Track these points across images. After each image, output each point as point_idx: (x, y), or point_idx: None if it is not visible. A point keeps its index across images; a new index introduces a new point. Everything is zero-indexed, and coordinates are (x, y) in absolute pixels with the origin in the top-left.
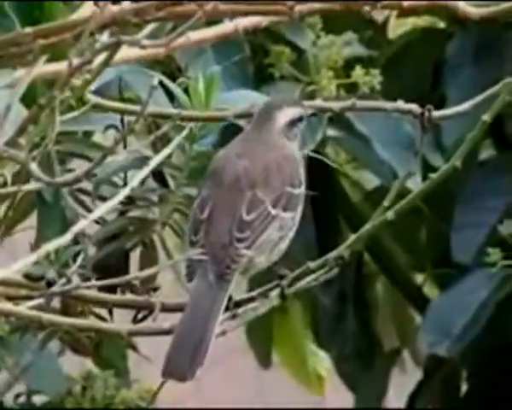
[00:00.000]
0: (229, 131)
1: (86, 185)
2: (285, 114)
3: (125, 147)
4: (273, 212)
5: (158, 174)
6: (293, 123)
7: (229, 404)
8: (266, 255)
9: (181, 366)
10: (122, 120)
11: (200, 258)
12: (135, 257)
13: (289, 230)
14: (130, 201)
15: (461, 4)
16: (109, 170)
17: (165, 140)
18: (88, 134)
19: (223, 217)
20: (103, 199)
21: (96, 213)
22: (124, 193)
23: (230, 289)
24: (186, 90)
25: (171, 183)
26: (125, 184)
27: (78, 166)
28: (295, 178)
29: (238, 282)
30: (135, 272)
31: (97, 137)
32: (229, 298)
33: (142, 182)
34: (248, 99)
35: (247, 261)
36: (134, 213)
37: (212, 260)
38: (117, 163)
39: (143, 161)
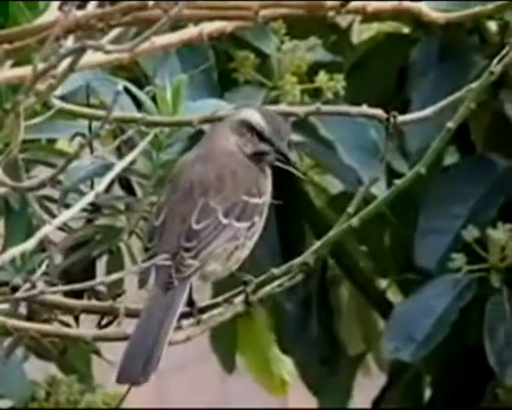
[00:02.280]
0: (196, 140)
1: (53, 193)
2: (246, 113)
3: (91, 152)
4: (224, 221)
5: (125, 182)
6: (246, 125)
7: None
8: (222, 263)
9: (134, 371)
10: (90, 128)
11: (150, 265)
12: (101, 265)
13: (247, 239)
14: (96, 209)
15: (425, 9)
16: (75, 178)
17: (130, 146)
18: (51, 141)
19: (174, 225)
20: (69, 207)
21: (61, 219)
22: (88, 198)
23: (184, 296)
24: (153, 99)
25: (138, 191)
26: None
27: (42, 173)
28: (252, 187)
29: (202, 288)
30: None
31: (61, 144)
32: (193, 304)
33: (109, 189)
34: (214, 107)
35: (197, 270)
36: (101, 221)
37: (159, 269)
38: (83, 170)
39: (110, 168)
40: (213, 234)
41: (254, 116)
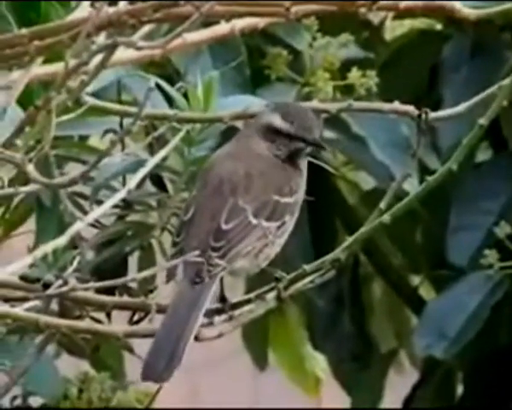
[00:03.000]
0: (228, 136)
1: (85, 190)
2: (269, 117)
3: (123, 149)
4: (254, 222)
5: (157, 179)
6: (272, 130)
7: (226, 407)
8: (250, 261)
9: (157, 368)
10: (121, 124)
11: (181, 261)
12: (133, 261)
13: (277, 237)
14: (128, 205)
15: (457, 6)
16: (107, 174)
17: (162, 143)
18: (84, 138)
19: (203, 222)
20: (101, 203)
21: (93, 215)
22: (120, 195)
23: (210, 294)
24: (185, 95)
25: (169, 187)
26: None
27: (74, 169)
28: (284, 186)
29: (234, 285)
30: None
31: (93, 141)
32: (225, 300)
33: (141, 186)
34: (246, 103)
35: (224, 269)
36: (132, 217)
37: (187, 265)
38: (115, 167)
39: (142, 164)
40: (242, 234)
41: (277, 120)
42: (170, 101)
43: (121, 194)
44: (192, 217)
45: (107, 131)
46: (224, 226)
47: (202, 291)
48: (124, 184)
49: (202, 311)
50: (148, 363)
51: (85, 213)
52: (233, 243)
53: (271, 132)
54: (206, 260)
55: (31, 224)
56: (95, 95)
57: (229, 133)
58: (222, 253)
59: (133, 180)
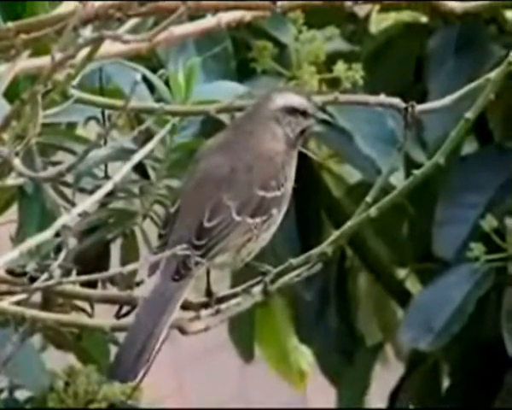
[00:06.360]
0: (210, 123)
1: (67, 177)
2: (285, 98)
3: (105, 142)
4: (237, 219)
5: (139, 166)
6: (291, 110)
7: (212, 400)
8: (232, 255)
9: (125, 366)
10: (103, 113)
11: (169, 255)
12: (115, 248)
13: (263, 231)
14: (110, 192)
15: None
16: (90, 162)
17: (146, 131)
18: (71, 126)
19: (187, 217)
20: (83, 191)
21: (80, 208)
22: (107, 188)
23: (185, 291)
24: (167, 83)
25: (151, 174)
26: (106, 176)
27: (61, 157)
28: (271, 180)
29: (220, 278)
30: (115, 264)
31: (79, 129)
32: (211, 294)
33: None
34: (228, 90)
35: (203, 265)
36: (115, 204)
37: (168, 260)
38: (97, 155)
39: (124, 152)
40: (225, 232)
41: (294, 98)
42: (152, 88)
43: (108, 186)
44: (177, 210)
45: (89, 119)
46: (206, 224)
47: (178, 288)
48: (105, 171)
49: (176, 308)
50: (116, 361)
51: (67, 200)
52: (215, 241)
53: (288, 113)
54: (186, 257)
55: (14, 210)
56: (79, 83)
57: (211, 120)
58: (203, 251)
59: (120, 173)
